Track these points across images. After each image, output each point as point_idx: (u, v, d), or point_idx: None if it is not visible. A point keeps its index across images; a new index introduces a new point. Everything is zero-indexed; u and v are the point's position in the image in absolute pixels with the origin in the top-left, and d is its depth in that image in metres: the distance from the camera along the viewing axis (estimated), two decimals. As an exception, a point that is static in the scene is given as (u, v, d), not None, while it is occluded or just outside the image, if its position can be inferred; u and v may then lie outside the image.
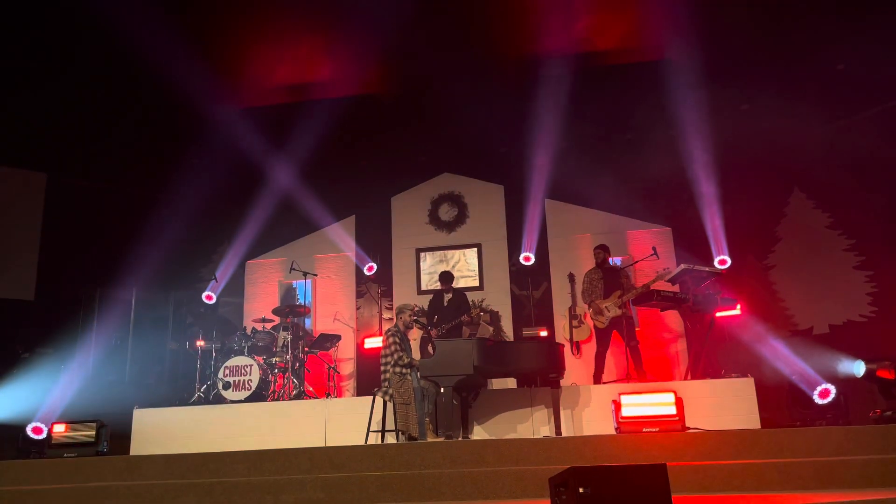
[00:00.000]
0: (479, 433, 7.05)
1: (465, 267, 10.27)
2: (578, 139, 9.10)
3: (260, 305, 10.14)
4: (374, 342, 9.56)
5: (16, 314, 8.92)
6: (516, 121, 9.05)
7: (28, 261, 9.17)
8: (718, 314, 7.82)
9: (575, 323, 9.35)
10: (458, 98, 8.44)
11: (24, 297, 9.04)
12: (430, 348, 7.90)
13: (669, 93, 8.26)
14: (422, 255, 10.39)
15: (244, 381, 7.83)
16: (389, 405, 6.79)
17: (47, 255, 9.23)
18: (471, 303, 8.49)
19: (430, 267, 10.15)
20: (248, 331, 8.53)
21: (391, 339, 6.79)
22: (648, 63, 8.29)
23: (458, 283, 10.09)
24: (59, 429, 7.05)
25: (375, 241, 10.52)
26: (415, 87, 8.84)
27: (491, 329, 9.65)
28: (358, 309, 10.40)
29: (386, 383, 6.72)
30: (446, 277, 8.82)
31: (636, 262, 8.88)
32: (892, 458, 4.95)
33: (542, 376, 6.92)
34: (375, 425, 6.84)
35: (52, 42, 7.63)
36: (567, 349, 8.70)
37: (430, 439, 6.37)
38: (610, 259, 8.54)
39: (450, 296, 8.66)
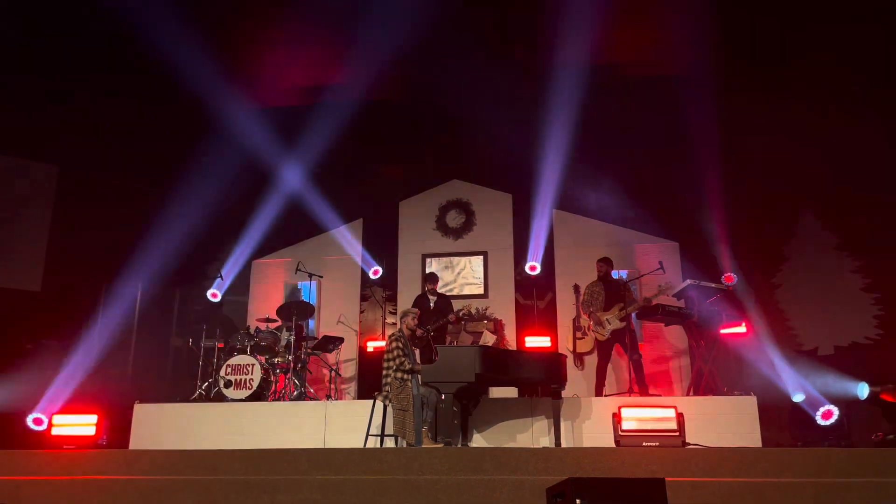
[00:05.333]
0: (478, 441, 7.03)
1: (470, 274, 10.26)
2: (588, 151, 9.10)
3: (264, 305, 10.15)
4: (376, 345, 9.56)
5: (22, 304, 8.96)
6: (527, 130, 9.07)
7: (36, 252, 9.21)
8: (723, 331, 7.79)
9: (578, 334, 9.32)
10: (469, 105, 8.46)
11: (30, 288, 9.09)
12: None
13: (682, 107, 8.26)
14: (428, 260, 10.39)
15: (245, 380, 7.83)
16: (389, 409, 6.78)
17: (56, 246, 9.27)
18: (461, 308, 8.48)
19: (436, 273, 10.14)
20: (252, 330, 8.54)
21: (394, 344, 6.78)
22: (662, 77, 8.30)
23: (464, 291, 10.09)
24: (60, 420, 7.06)
25: (382, 244, 10.54)
26: (426, 93, 8.87)
27: (494, 337, 9.63)
28: (362, 312, 10.41)
29: (387, 388, 6.72)
30: (431, 278, 8.79)
31: (642, 275, 8.85)
32: (893, 482, 4.91)
33: (543, 386, 6.90)
34: (375, 429, 6.83)
35: (67, 35, 7.69)
36: (570, 360, 8.68)
37: (428, 445, 6.35)
38: (613, 272, 8.50)
39: (434, 298, 8.64)
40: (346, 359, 9.80)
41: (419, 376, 6.56)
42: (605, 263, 8.29)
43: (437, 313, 8.41)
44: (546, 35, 8.01)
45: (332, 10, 7.65)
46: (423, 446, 6.24)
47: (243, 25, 7.95)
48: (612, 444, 6.46)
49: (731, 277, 8.54)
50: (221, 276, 9.55)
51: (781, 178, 9.12)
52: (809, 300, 8.95)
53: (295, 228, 10.47)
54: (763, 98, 8.42)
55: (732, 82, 8.20)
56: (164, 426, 7.42)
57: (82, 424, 6.97)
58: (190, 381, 8.64)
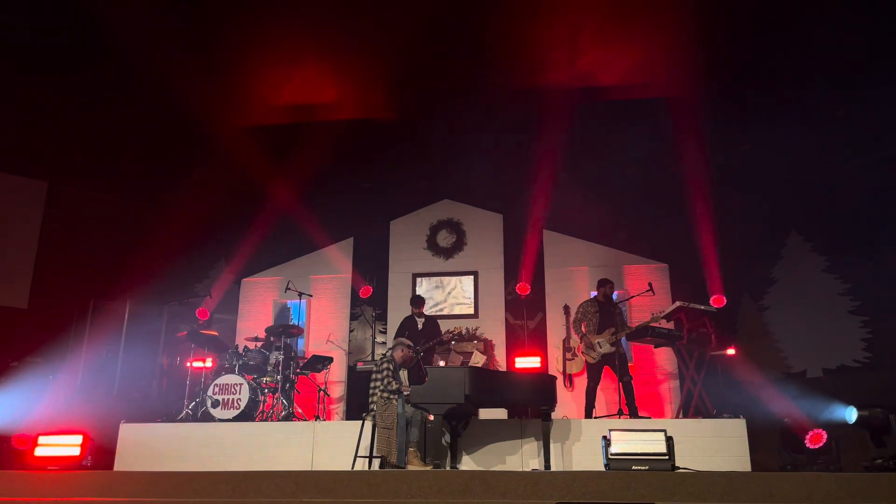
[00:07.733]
0: (467, 463, 6.98)
1: (460, 294, 10.25)
2: (578, 172, 9.15)
3: (253, 324, 10.10)
4: (365, 366, 9.50)
5: (8, 322, 8.87)
6: (518, 151, 9.10)
7: (24, 268, 9.15)
8: (712, 353, 7.79)
9: (569, 355, 9.31)
10: (461, 126, 8.50)
11: (17, 305, 9.01)
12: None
13: (670, 130, 8.33)
14: (418, 280, 10.38)
15: (233, 399, 7.76)
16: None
17: (43, 263, 9.21)
18: (450, 330, 8.48)
19: (427, 292, 10.14)
20: (240, 349, 8.48)
21: (384, 365, 6.76)
22: (650, 100, 8.37)
23: (454, 311, 10.08)
24: (44, 440, 6.96)
25: (372, 264, 10.52)
26: (418, 114, 8.90)
27: (484, 358, 9.61)
28: (351, 331, 10.36)
29: (373, 406, 6.68)
30: (418, 301, 8.81)
31: (632, 297, 8.87)
32: (882, 507, 4.90)
33: (533, 408, 6.86)
34: (364, 450, 6.77)
35: (58, 52, 7.68)
36: (560, 381, 8.65)
37: (417, 467, 6.30)
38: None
39: (422, 320, 8.64)
40: (334, 379, 9.74)
41: (405, 396, 6.52)
42: (608, 287, 8.21)
43: (425, 335, 8.40)
44: (537, 56, 8.07)
45: (324, 29, 7.68)
46: (412, 469, 6.19)
47: (235, 44, 7.97)
48: (602, 468, 6.43)
49: (720, 299, 8.56)
50: (210, 295, 9.50)
51: (769, 200, 9.19)
52: (798, 322, 8.99)
53: (285, 247, 10.45)
54: (749, 120, 8.50)
55: (718, 105, 8.28)
56: (149, 447, 7.32)
57: (67, 445, 6.85)
58: (177, 400, 8.55)
